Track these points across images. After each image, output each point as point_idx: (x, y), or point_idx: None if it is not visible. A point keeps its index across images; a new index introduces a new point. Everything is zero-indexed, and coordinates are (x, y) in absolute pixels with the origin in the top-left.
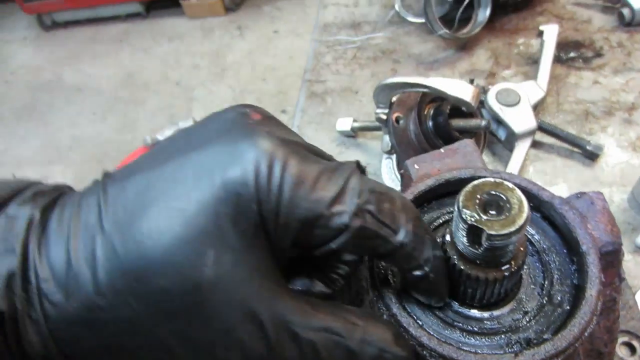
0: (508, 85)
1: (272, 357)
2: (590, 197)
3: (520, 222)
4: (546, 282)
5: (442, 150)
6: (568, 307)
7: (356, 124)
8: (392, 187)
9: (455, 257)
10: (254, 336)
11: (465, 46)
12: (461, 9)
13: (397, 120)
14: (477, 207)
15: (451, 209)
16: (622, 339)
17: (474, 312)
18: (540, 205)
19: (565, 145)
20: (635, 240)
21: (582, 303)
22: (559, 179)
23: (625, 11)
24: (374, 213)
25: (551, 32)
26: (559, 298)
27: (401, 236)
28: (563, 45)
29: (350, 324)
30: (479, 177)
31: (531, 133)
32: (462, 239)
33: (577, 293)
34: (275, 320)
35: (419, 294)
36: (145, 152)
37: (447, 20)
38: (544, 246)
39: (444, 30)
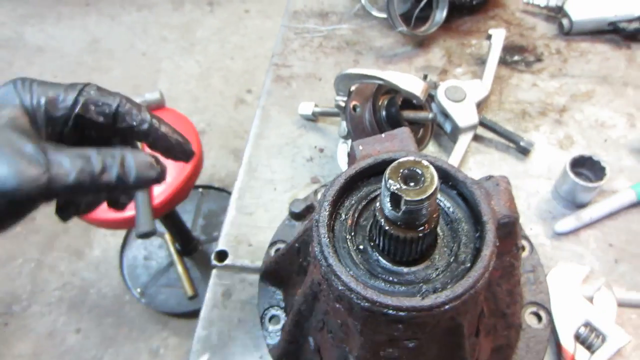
0: (456, 82)
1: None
2: (497, 179)
3: (430, 191)
4: (454, 246)
5: (383, 135)
6: (469, 265)
7: (317, 109)
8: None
9: (382, 220)
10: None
11: (422, 43)
12: (419, 8)
13: (354, 108)
14: (399, 179)
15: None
16: (531, 309)
17: (396, 267)
18: (456, 183)
19: (503, 141)
20: (554, 227)
21: (478, 260)
22: (495, 171)
23: (565, 21)
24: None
25: (499, 36)
26: (463, 258)
27: (115, 103)
28: (509, 49)
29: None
30: (389, 161)
31: (473, 128)
32: (386, 204)
33: (477, 254)
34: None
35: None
36: None
37: (407, 17)
38: (457, 217)
39: (403, 27)
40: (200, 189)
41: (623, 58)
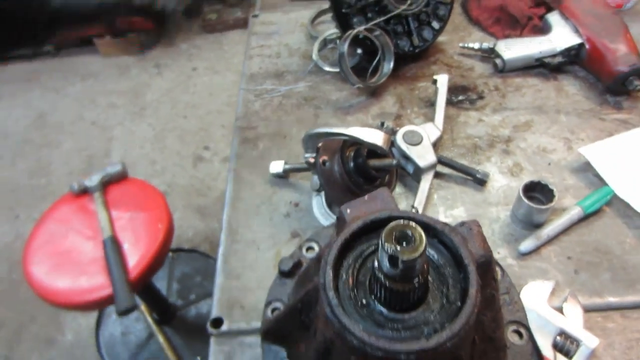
0: (412, 127)
1: None
2: (469, 224)
3: (420, 249)
4: (444, 288)
5: (365, 197)
6: (459, 303)
7: (287, 166)
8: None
9: (382, 277)
10: None
11: (375, 92)
12: (373, 65)
13: (323, 163)
14: (393, 241)
15: (377, 242)
16: (512, 327)
17: (398, 315)
18: (436, 233)
19: (461, 175)
20: (518, 248)
21: (467, 299)
22: (458, 203)
23: (498, 61)
24: None
25: (443, 80)
26: (453, 298)
27: None
28: (453, 90)
29: None
30: (393, 218)
31: (433, 166)
32: (385, 264)
33: (464, 293)
34: None
35: None
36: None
37: (358, 69)
38: (441, 262)
39: (357, 82)
40: (171, 253)
41: (552, 88)
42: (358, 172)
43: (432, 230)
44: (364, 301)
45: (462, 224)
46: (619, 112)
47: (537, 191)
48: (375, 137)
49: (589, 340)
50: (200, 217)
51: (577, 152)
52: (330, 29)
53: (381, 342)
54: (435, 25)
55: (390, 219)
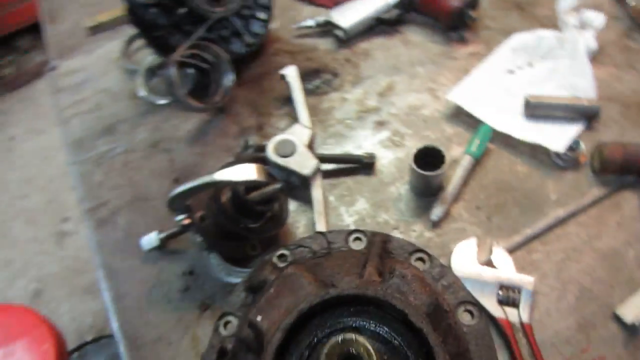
0: (280, 137)
1: None
2: (400, 272)
3: None
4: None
5: (271, 290)
6: None
7: (162, 235)
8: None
9: None
10: None
11: (225, 110)
12: (213, 80)
13: (202, 219)
14: None
15: (308, 342)
16: (461, 309)
17: None
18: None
19: (347, 166)
20: (430, 218)
21: None
22: (357, 196)
23: (338, 32)
24: None
25: (291, 73)
26: None
27: None
28: (305, 77)
29: None
30: (318, 304)
31: (317, 170)
32: None
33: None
34: None
35: None
36: None
37: (197, 90)
38: (389, 338)
39: (199, 105)
40: (76, 354)
41: (400, 43)
42: (243, 213)
43: (364, 297)
44: None
45: (391, 275)
46: (466, 46)
47: (426, 156)
48: (246, 172)
49: (526, 282)
50: (91, 297)
51: (445, 99)
52: (149, 56)
53: None
54: (262, 15)
55: (313, 308)
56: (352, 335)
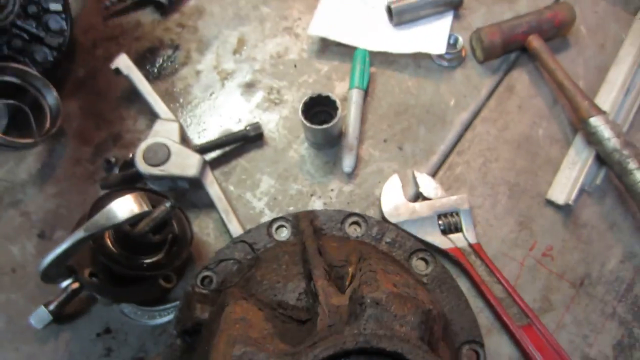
0: (146, 142)
1: None
2: (373, 298)
3: None
4: None
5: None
6: None
7: (53, 306)
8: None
9: None
10: None
11: (65, 131)
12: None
13: (92, 276)
14: None
15: None
16: (414, 260)
17: None
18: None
19: (234, 146)
20: (343, 171)
21: None
22: (257, 175)
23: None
24: None
25: (124, 62)
26: None
27: None
28: (142, 62)
29: None
30: None
31: (203, 164)
32: None
33: None
34: None
35: None
36: None
37: (18, 123)
38: None
39: (27, 141)
40: None
41: None
42: (138, 252)
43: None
44: None
45: (362, 304)
46: None
47: (315, 106)
48: (123, 208)
49: (460, 202)
50: None
51: (307, 35)
52: None
53: None
54: (54, 5)
55: None
56: None
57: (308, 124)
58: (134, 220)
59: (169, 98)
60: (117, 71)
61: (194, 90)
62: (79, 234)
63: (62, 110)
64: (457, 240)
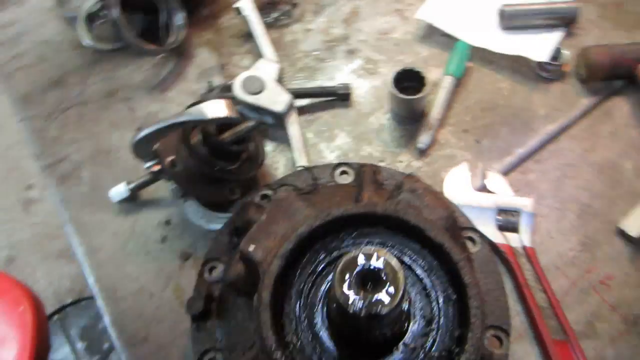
0: (246, 73)
1: None
2: (409, 186)
3: (401, 286)
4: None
5: (263, 218)
6: (455, 296)
7: (132, 185)
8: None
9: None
10: None
11: (182, 52)
12: (162, 21)
13: (172, 165)
14: (353, 289)
15: (310, 270)
16: (463, 235)
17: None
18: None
19: (321, 99)
20: (416, 146)
21: (468, 291)
22: (336, 130)
23: None
24: None
25: (246, 5)
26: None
27: None
28: (263, 10)
29: None
30: (319, 226)
31: (291, 105)
32: (355, 325)
33: (453, 280)
34: None
35: None
36: None
37: (149, 32)
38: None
39: (152, 48)
40: (56, 316)
41: None
42: (216, 155)
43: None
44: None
45: (399, 190)
46: None
47: (406, 80)
48: (216, 109)
49: (524, 204)
50: (66, 261)
51: (415, 19)
52: (87, 0)
53: None
54: None
55: (313, 235)
56: (372, 249)
57: (396, 92)
58: (222, 122)
59: (276, 45)
60: (238, 11)
61: (300, 45)
62: (173, 118)
63: (185, 32)
64: (512, 239)
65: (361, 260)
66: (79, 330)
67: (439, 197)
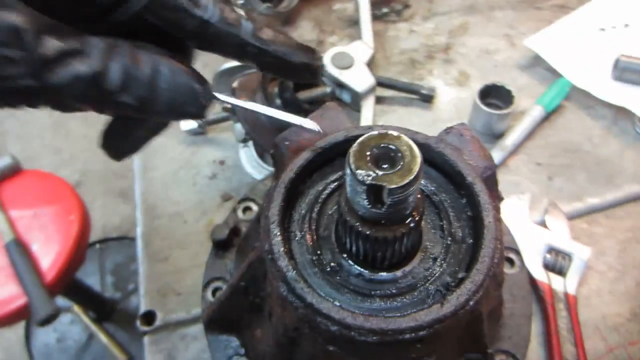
0: (340, 48)
1: None
2: (458, 129)
3: (416, 168)
4: (444, 223)
5: (309, 118)
6: (471, 241)
7: (202, 121)
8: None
9: (358, 224)
10: None
11: (288, 20)
12: None
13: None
14: (369, 164)
15: (334, 178)
16: (507, 252)
17: (386, 275)
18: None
19: (403, 95)
20: None
21: (484, 232)
22: (407, 126)
23: None
24: None
25: None
26: (460, 234)
27: (205, 13)
28: (374, 2)
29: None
30: (354, 137)
31: (372, 90)
32: (362, 202)
33: (475, 224)
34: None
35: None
36: None
37: None
38: (432, 188)
39: (263, 6)
40: (98, 245)
41: None
42: (287, 108)
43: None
44: (333, 264)
45: (449, 130)
46: None
47: (492, 96)
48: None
49: (581, 252)
50: (124, 200)
51: (523, 47)
52: None
53: (374, 322)
54: None
55: (348, 141)
56: (389, 132)
57: (479, 102)
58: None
59: (377, 36)
60: None
61: (400, 42)
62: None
63: (297, 1)
64: (555, 281)
65: (379, 139)
66: (113, 266)
67: (483, 147)
